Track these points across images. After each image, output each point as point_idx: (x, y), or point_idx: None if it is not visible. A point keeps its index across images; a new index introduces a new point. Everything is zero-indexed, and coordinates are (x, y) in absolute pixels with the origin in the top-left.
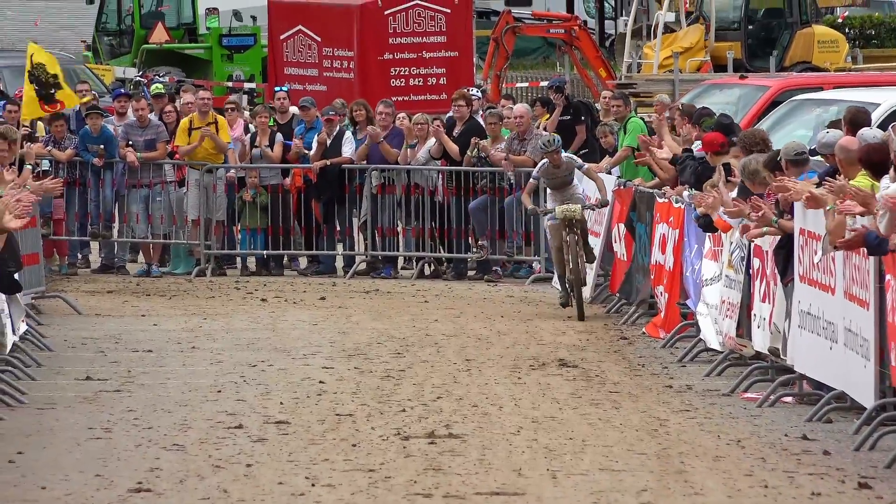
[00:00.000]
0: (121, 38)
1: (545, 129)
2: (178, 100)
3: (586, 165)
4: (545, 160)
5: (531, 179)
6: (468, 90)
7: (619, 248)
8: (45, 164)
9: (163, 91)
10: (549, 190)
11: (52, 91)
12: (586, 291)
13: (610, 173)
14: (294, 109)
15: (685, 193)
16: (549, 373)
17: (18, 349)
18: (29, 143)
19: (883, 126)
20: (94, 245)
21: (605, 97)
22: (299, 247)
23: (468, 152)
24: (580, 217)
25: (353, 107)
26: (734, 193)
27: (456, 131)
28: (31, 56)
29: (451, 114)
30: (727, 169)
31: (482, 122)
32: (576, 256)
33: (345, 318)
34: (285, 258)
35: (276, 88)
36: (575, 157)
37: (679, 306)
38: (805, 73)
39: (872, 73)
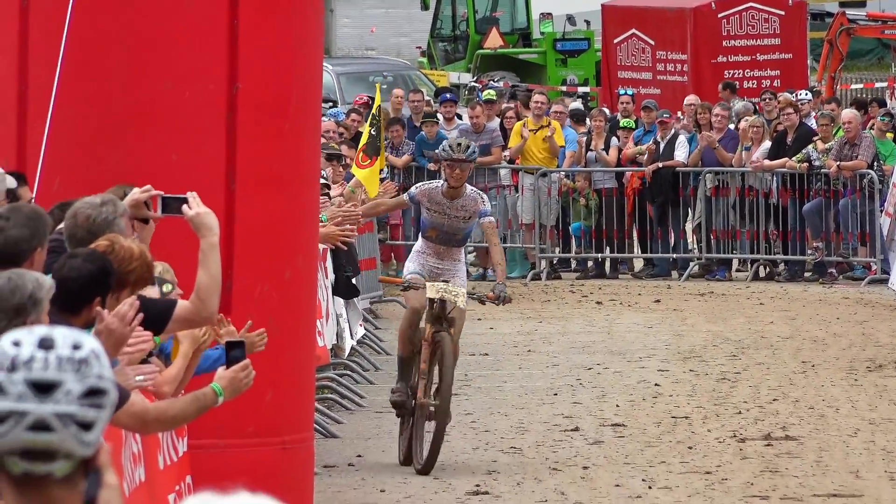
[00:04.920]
0: (455, 44)
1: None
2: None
3: (490, 219)
4: (434, 184)
5: (404, 196)
6: (795, 95)
7: None
8: (384, 171)
9: (494, 98)
10: (422, 239)
11: (377, 146)
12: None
13: None
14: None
15: None
16: (887, 374)
17: (356, 353)
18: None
19: None
20: None
21: None
22: (634, 249)
23: (795, 159)
24: (459, 311)
25: (699, 109)
26: None
27: (789, 139)
28: (377, 103)
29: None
30: None
31: (815, 125)
32: (446, 365)
33: (679, 320)
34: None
35: (621, 92)
36: (485, 197)
37: None
38: None
39: None
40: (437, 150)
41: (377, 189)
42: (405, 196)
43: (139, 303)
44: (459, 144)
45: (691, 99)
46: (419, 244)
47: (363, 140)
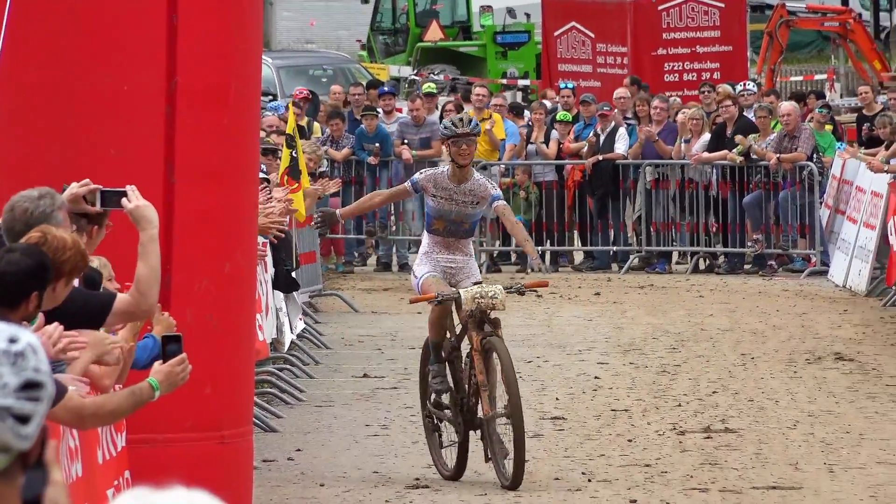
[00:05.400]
0: (396, 37)
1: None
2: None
3: (503, 202)
4: (439, 169)
5: (407, 184)
6: (735, 87)
7: (895, 241)
8: (324, 165)
9: (434, 91)
10: (427, 236)
11: (299, 169)
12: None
13: (888, 164)
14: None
15: None
16: (826, 367)
17: (296, 347)
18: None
19: None
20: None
21: (861, 92)
22: (574, 242)
23: (735, 151)
24: (503, 307)
25: (637, 102)
26: None
27: (729, 132)
28: (290, 124)
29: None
30: None
31: (754, 118)
32: (506, 369)
33: (620, 313)
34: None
35: (562, 85)
36: (493, 182)
37: None
38: None
39: None
40: (440, 130)
41: (304, 211)
42: (407, 184)
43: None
44: (461, 119)
45: (621, 92)
46: (425, 243)
47: (283, 163)
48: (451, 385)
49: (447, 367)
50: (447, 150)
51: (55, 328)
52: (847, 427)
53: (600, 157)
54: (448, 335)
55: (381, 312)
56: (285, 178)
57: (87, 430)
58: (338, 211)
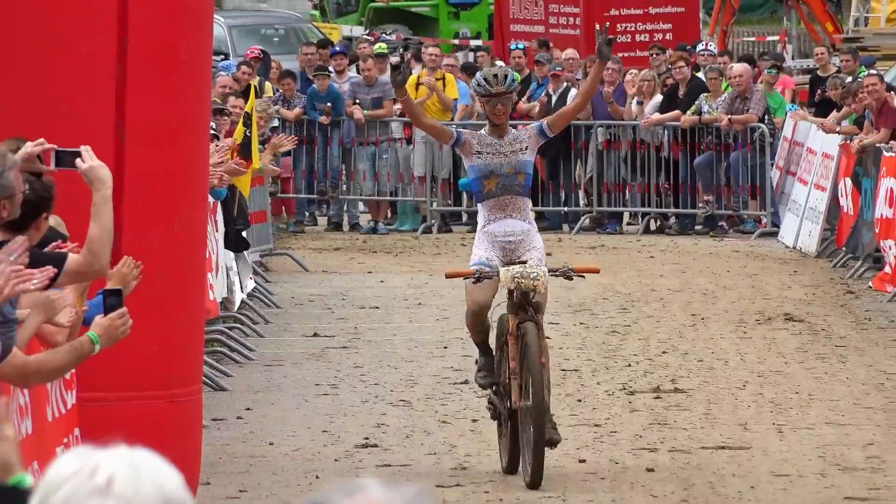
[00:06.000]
0: None
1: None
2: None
3: (548, 119)
4: (476, 131)
5: (452, 129)
6: (705, 44)
7: (846, 203)
8: (274, 123)
9: (386, 51)
10: (481, 209)
11: (250, 149)
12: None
13: (839, 126)
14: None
15: None
16: (775, 327)
17: (247, 306)
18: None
19: None
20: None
21: (818, 53)
22: None
23: (688, 112)
24: (543, 290)
25: (587, 62)
26: None
27: (681, 93)
28: (251, 103)
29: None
30: None
31: (705, 79)
32: (531, 360)
33: None
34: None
35: (512, 46)
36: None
37: None
38: None
39: None
40: (472, 86)
41: (248, 188)
42: (453, 129)
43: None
44: (496, 76)
45: (570, 53)
46: (481, 216)
47: (237, 137)
48: (497, 385)
49: (494, 360)
50: (481, 107)
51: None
52: (796, 387)
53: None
54: (487, 332)
55: (332, 272)
56: (236, 153)
57: (31, 387)
58: (408, 93)
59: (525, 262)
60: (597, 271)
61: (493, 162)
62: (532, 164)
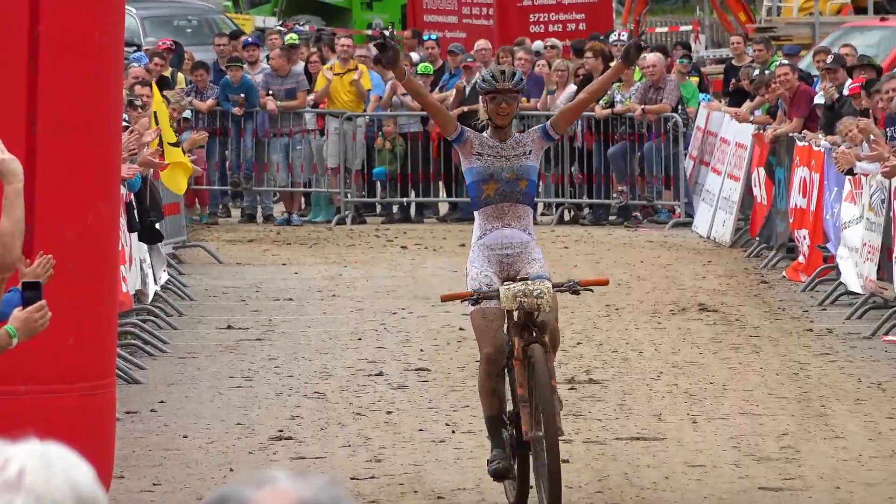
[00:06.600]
0: None
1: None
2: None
3: (550, 119)
4: (473, 130)
5: (457, 123)
6: (618, 35)
7: (759, 192)
8: (187, 114)
9: (297, 41)
10: (478, 218)
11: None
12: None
13: (752, 115)
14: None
15: (822, 141)
16: (690, 317)
17: (160, 299)
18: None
19: None
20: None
21: (734, 42)
22: (439, 193)
23: (602, 102)
24: (549, 307)
25: (500, 53)
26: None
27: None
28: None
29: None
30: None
31: None
32: (540, 384)
33: None
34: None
35: (426, 37)
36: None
37: (819, 249)
38: None
39: None
40: (477, 82)
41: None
42: (457, 123)
43: None
44: (503, 72)
45: (481, 43)
46: (476, 226)
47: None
48: (511, 469)
49: (507, 443)
50: (483, 106)
51: None
52: (710, 378)
53: (465, 109)
54: (504, 404)
55: (246, 264)
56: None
57: None
58: (407, 71)
59: (526, 279)
60: (605, 283)
61: (493, 165)
62: (536, 170)
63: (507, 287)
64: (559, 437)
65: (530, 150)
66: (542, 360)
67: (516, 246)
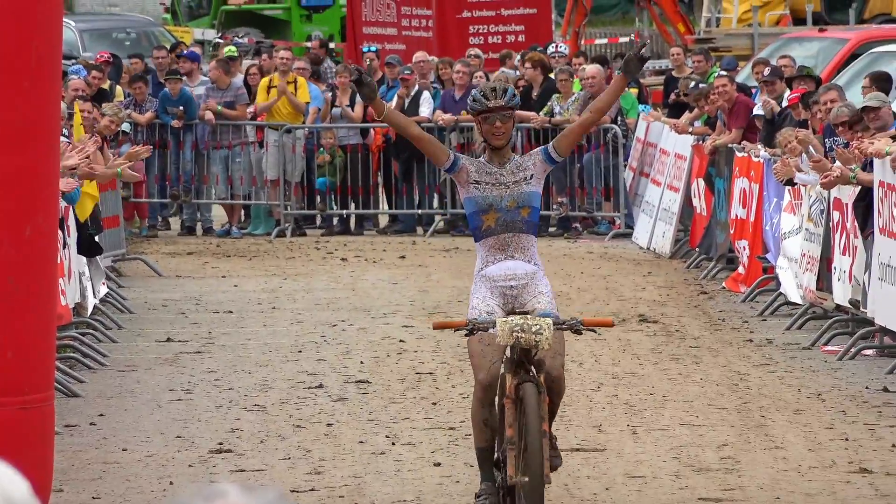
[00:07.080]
0: (200, 0)
1: None
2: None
3: (553, 141)
4: (472, 155)
5: (449, 151)
6: (540, 50)
7: (699, 203)
8: (126, 127)
9: (235, 54)
10: (480, 250)
11: None
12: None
13: (692, 127)
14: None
15: (762, 152)
16: (630, 328)
17: (99, 311)
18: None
19: None
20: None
21: (674, 53)
22: (379, 205)
23: (541, 113)
24: (549, 346)
25: (440, 65)
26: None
27: (535, 94)
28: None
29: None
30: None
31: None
32: (530, 426)
33: (424, 276)
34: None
35: (365, 49)
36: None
37: (759, 260)
38: (885, 24)
39: None
40: (468, 102)
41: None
42: (450, 151)
43: None
44: (494, 89)
45: (420, 55)
46: (478, 257)
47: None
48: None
49: (497, 482)
50: (477, 127)
51: None
52: (651, 389)
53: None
54: (496, 436)
55: (185, 276)
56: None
57: None
58: (385, 104)
59: (528, 313)
60: (610, 324)
61: (492, 193)
62: (539, 195)
63: (504, 320)
64: (544, 486)
65: (531, 175)
66: (535, 402)
67: (521, 277)
